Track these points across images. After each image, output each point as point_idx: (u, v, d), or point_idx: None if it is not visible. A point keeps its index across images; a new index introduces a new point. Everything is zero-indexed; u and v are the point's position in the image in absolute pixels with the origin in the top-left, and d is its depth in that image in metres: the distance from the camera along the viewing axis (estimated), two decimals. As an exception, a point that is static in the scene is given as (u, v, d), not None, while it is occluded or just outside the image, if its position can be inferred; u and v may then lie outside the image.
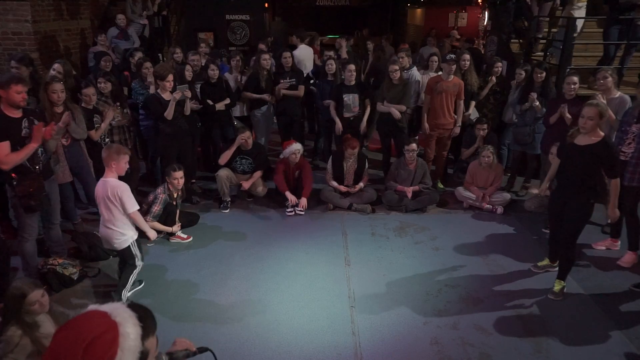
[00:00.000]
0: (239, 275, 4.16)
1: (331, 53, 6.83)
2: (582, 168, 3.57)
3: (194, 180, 5.92)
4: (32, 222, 3.76)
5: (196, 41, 9.67)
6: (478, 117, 6.07)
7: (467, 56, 5.99)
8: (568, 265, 3.82)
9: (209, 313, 3.63)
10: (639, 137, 4.03)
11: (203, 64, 6.28)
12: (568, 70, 5.83)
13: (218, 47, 8.99)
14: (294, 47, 7.46)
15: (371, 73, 7.65)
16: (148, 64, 5.58)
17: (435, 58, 6.58)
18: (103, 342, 1.06)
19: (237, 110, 6.35)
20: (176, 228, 4.65)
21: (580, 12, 6.54)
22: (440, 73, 5.84)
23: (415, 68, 6.71)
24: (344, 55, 7.43)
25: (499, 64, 6.26)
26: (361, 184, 5.54)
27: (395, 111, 5.65)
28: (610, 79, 4.64)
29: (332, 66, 6.19)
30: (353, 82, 5.83)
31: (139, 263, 3.74)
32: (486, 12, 12.06)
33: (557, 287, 3.83)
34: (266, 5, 13.15)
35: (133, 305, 1.17)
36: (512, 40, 7.41)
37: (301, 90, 6.23)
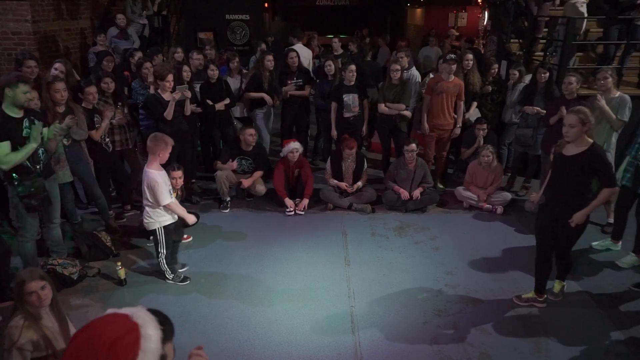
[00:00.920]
0: (239, 275, 4.16)
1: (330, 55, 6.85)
2: (571, 179, 3.34)
3: (193, 180, 5.92)
4: (33, 222, 3.76)
5: (196, 41, 9.68)
6: (478, 117, 6.08)
7: (470, 56, 5.98)
8: (567, 267, 3.77)
9: (209, 313, 3.63)
10: None
11: (204, 64, 6.27)
12: (568, 70, 5.84)
13: (218, 47, 8.98)
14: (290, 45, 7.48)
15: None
16: (148, 64, 5.58)
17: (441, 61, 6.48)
18: (125, 343, 1.06)
19: (237, 111, 6.35)
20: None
21: (583, 8, 6.54)
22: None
23: (414, 68, 6.70)
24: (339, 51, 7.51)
25: (496, 65, 6.29)
26: (359, 184, 5.54)
27: (401, 107, 5.70)
28: (610, 79, 4.63)
29: (330, 67, 6.20)
30: (353, 82, 5.84)
31: (161, 250, 3.88)
32: (486, 12, 12.06)
33: (556, 287, 3.81)
34: (266, 5, 13.17)
35: (152, 310, 1.17)
36: (512, 40, 7.41)
37: (307, 90, 6.25)
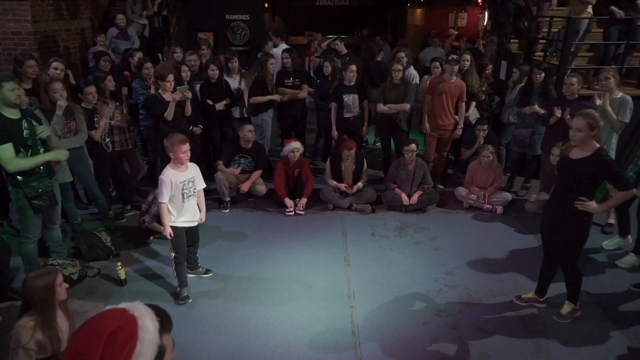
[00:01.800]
0: (239, 275, 4.16)
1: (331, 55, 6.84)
2: (576, 184, 3.25)
3: (194, 180, 5.91)
4: (37, 224, 3.75)
5: (196, 41, 9.68)
6: (478, 117, 6.08)
7: (468, 56, 5.98)
8: (575, 286, 3.51)
9: (209, 313, 3.63)
10: None
11: (204, 63, 6.26)
12: (569, 70, 5.84)
13: (218, 47, 8.98)
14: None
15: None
16: (148, 64, 5.57)
17: (437, 64, 6.37)
18: (123, 334, 1.08)
19: (237, 111, 6.34)
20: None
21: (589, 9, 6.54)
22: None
23: (412, 67, 6.70)
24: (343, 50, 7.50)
25: (490, 66, 6.37)
26: (359, 184, 5.54)
27: (405, 107, 5.72)
28: (612, 79, 4.61)
29: (327, 68, 6.20)
30: (353, 83, 5.84)
31: (172, 253, 3.72)
32: (486, 12, 12.06)
33: (565, 309, 3.56)
34: (266, 5, 13.16)
35: (149, 304, 1.20)
36: (512, 40, 7.41)
37: (305, 90, 6.24)
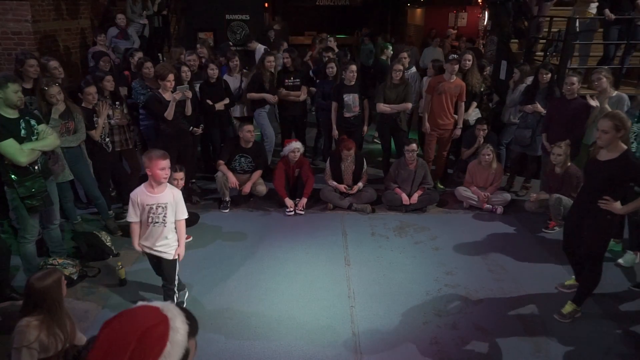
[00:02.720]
0: (239, 275, 4.16)
1: (330, 54, 6.83)
2: (602, 185, 3.26)
3: (193, 180, 5.91)
4: (34, 223, 3.75)
5: (196, 41, 9.68)
6: (479, 117, 6.08)
7: (469, 56, 5.97)
8: (587, 289, 3.50)
9: (209, 313, 3.62)
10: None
11: (204, 63, 6.27)
12: (568, 70, 5.83)
13: (215, 47, 8.98)
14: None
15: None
16: (149, 64, 5.57)
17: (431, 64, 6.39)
18: (155, 333, 1.09)
19: (237, 111, 6.34)
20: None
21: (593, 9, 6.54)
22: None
23: (414, 68, 6.70)
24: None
25: (488, 67, 6.42)
26: (360, 184, 5.54)
27: (407, 106, 5.73)
28: (604, 79, 4.63)
29: (333, 69, 6.20)
30: (353, 82, 5.84)
31: (171, 286, 3.45)
32: (486, 12, 12.06)
33: (566, 308, 3.55)
34: (266, 5, 13.16)
35: (180, 307, 1.23)
36: (512, 40, 7.42)
37: (304, 91, 6.24)
